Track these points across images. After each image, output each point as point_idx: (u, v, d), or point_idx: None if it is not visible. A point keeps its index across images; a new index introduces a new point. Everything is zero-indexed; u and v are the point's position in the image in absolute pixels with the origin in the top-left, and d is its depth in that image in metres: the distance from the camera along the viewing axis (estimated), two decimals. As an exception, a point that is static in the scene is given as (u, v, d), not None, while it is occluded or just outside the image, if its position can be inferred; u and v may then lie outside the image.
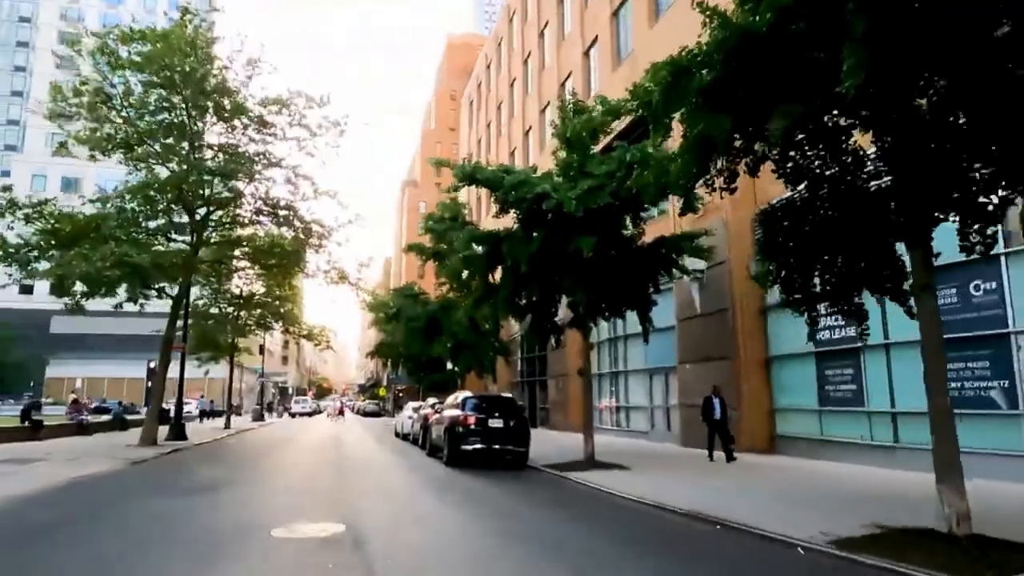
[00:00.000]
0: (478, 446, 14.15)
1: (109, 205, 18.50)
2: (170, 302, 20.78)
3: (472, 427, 14.24)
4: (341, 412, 52.47)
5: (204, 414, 46.02)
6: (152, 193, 18.28)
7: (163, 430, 22.26)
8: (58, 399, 50.85)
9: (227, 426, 32.37)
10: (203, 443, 22.17)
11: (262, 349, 49.11)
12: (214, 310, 32.17)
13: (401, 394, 75.83)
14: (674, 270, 14.95)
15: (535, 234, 13.58)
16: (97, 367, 56.85)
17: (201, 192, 19.45)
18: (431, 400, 23.03)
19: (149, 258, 16.80)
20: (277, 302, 33.59)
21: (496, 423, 14.33)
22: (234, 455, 18.38)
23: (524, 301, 15.68)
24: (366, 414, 67.29)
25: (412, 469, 14.69)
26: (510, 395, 17.57)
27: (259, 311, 32.82)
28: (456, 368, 33.39)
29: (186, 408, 49.09)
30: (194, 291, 33.03)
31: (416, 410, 23.96)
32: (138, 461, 15.44)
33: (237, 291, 32.74)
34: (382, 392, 78.28)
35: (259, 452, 19.67)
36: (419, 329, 28.91)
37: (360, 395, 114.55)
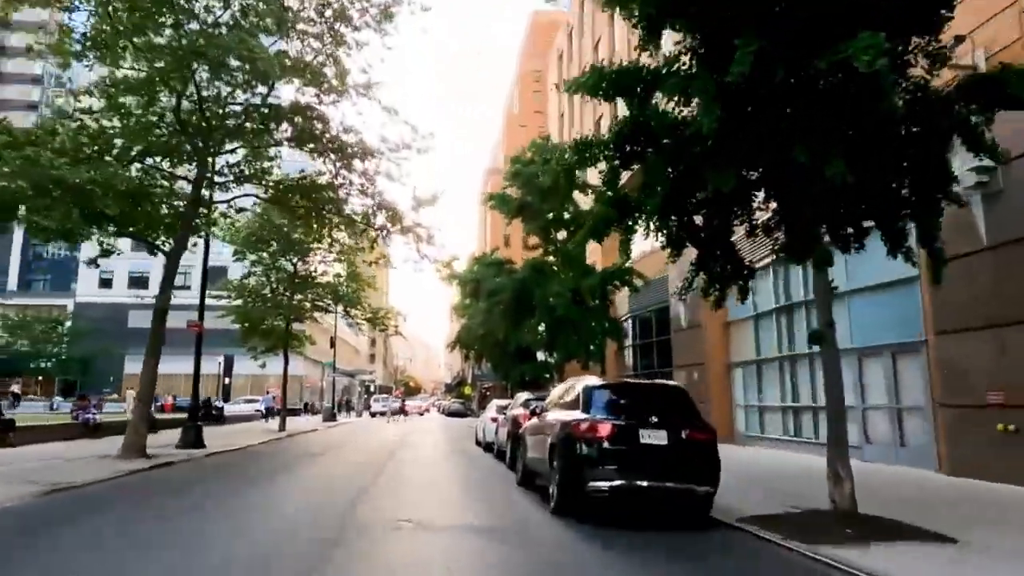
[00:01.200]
0: (618, 482, 7.17)
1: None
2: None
3: (607, 444, 7.27)
4: (403, 411, 46.54)
5: (270, 412, 41.63)
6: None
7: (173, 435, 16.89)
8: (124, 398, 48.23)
9: (281, 428, 27.05)
10: (221, 452, 16.46)
11: (333, 342, 44.26)
12: (265, 290, 27.01)
13: (487, 392, 69.88)
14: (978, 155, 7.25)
15: (744, 45, 6.36)
16: (173, 363, 53.92)
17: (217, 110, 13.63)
18: (523, 396, 16.19)
19: (93, 176, 10.91)
20: (339, 279, 28.03)
21: (653, 436, 7.28)
22: (229, 477, 12.27)
23: (698, 202, 8.59)
24: (450, 414, 61.79)
25: (491, 519, 7.95)
26: (675, 383, 10.30)
27: (315, 291, 27.36)
28: (552, 357, 26.52)
29: (253, 407, 45.45)
30: (240, 267, 28.38)
31: (502, 411, 17.24)
32: (73, 487, 9.64)
33: (291, 267, 27.48)
34: (467, 391, 72.62)
35: (274, 469, 13.56)
36: (504, 306, 22.24)
37: (447, 394, 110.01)
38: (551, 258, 22.94)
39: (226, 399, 50.20)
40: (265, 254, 26.63)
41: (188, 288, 57.09)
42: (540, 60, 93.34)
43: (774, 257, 12.89)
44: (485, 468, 14.26)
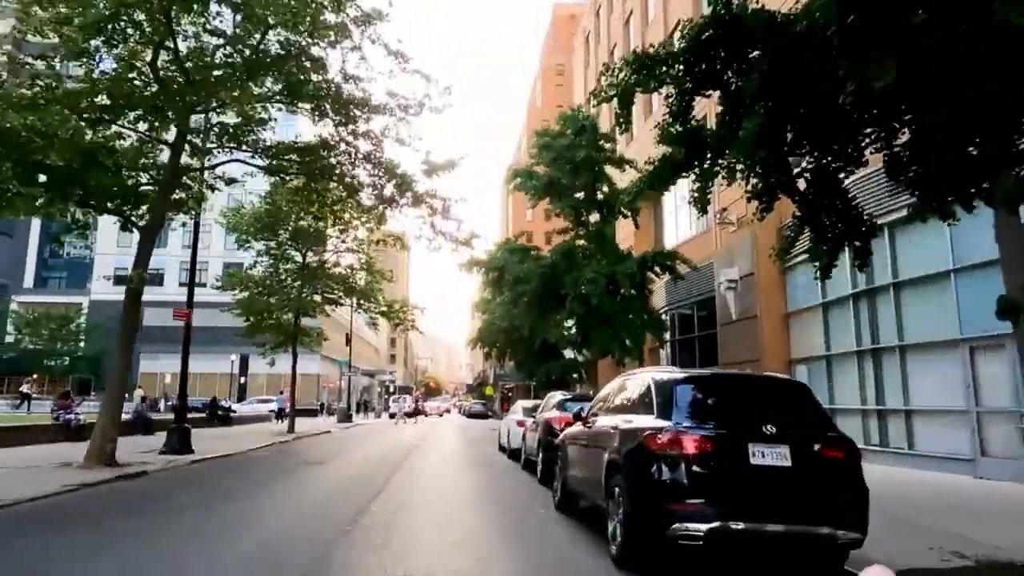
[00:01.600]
0: (717, 524, 4.75)
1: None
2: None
3: (699, 465, 4.88)
4: (417, 413, 44.36)
5: (283, 413, 39.82)
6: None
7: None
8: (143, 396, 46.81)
9: (290, 429, 25.03)
10: (207, 458, 14.34)
11: (349, 339, 42.32)
12: (270, 281, 25.08)
13: (509, 392, 67.60)
14: None
15: None
16: (193, 361, 52.30)
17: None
18: (556, 395, 13.78)
19: (31, 123, 8.76)
20: (352, 270, 26.01)
21: (770, 455, 4.87)
22: (198, 493, 10.08)
23: (798, 134, 6.27)
24: (471, 415, 59.70)
25: (526, 572, 5.62)
26: (786, 376, 7.85)
27: (325, 283, 25.34)
28: (582, 354, 24.17)
29: (267, 407, 43.71)
30: (248, 256, 26.36)
31: (530, 413, 14.87)
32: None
33: (299, 256, 25.46)
34: (488, 391, 70.39)
35: (257, 482, 11.34)
36: (530, 296, 19.86)
37: (468, 395, 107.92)
38: (582, 242, 20.51)
39: (241, 399, 48.61)
40: (272, 243, 24.67)
41: (204, 285, 55.88)
42: (563, 54, 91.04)
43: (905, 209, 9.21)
44: (511, 483, 11.90)
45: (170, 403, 32.60)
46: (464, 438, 25.89)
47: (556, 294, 19.64)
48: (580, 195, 20.26)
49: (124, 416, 15.95)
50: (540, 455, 11.29)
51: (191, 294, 16.17)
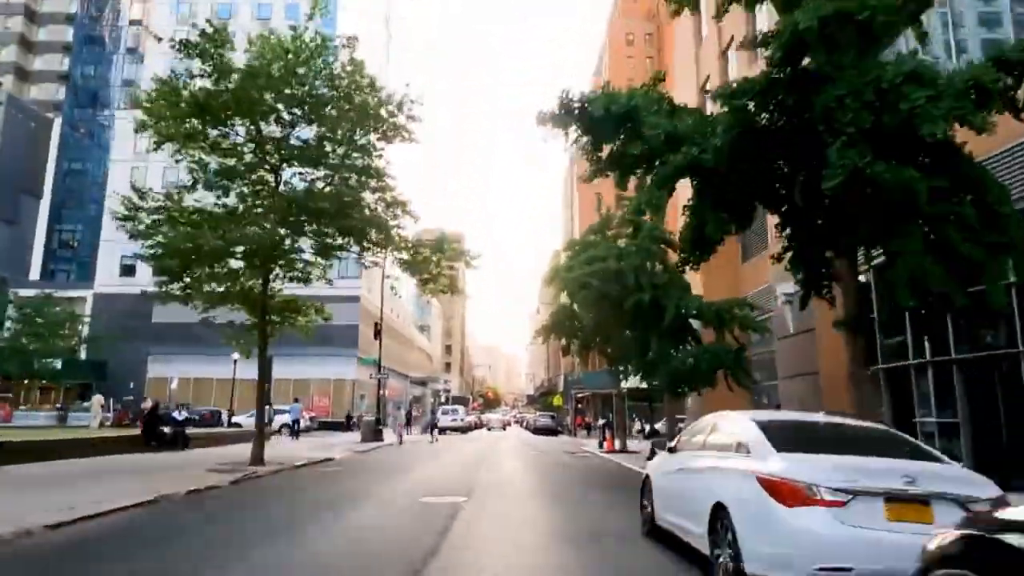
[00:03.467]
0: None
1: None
2: None
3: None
4: (479, 425, 34.04)
5: (297, 427, 30.16)
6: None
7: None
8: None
9: (256, 459, 14.92)
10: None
11: (379, 332, 32.21)
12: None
13: (582, 404, 56.12)
14: None
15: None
16: (203, 365, 43.12)
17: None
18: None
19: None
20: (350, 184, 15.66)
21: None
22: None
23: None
24: (538, 430, 48.56)
25: None
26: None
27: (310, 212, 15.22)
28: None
29: (280, 419, 34.00)
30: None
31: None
32: None
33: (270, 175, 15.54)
34: (556, 401, 58.92)
35: None
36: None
37: (529, 406, 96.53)
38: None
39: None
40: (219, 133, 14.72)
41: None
42: (635, 21, 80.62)
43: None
44: None
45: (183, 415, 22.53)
46: (545, 480, 14.93)
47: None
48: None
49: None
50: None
51: None
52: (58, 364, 42.71)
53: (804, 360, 17.11)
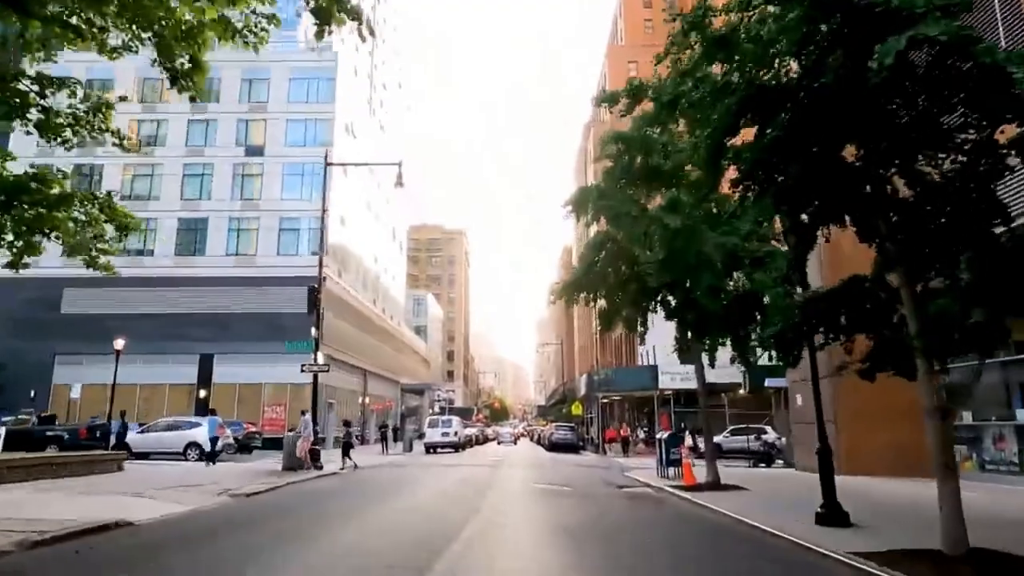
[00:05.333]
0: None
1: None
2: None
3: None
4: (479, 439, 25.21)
5: (210, 450, 21.28)
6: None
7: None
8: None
9: None
10: None
11: (316, 298, 23.22)
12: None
13: (608, 407, 46.77)
14: None
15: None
16: (124, 369, 33.02)
17: None
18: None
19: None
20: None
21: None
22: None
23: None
24: (555, 446, 39.31)
25: None
26: None
27: None
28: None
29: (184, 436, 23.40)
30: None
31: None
32: None
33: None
34: (575, 409, 49.53)
35: None
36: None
37: (540, 418, 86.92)
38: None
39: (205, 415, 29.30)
40: None
41: (151, 253, 37.79)
42: (647, -16, 72.87)
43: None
44: None
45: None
46: None
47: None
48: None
49: None
50: None
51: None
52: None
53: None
